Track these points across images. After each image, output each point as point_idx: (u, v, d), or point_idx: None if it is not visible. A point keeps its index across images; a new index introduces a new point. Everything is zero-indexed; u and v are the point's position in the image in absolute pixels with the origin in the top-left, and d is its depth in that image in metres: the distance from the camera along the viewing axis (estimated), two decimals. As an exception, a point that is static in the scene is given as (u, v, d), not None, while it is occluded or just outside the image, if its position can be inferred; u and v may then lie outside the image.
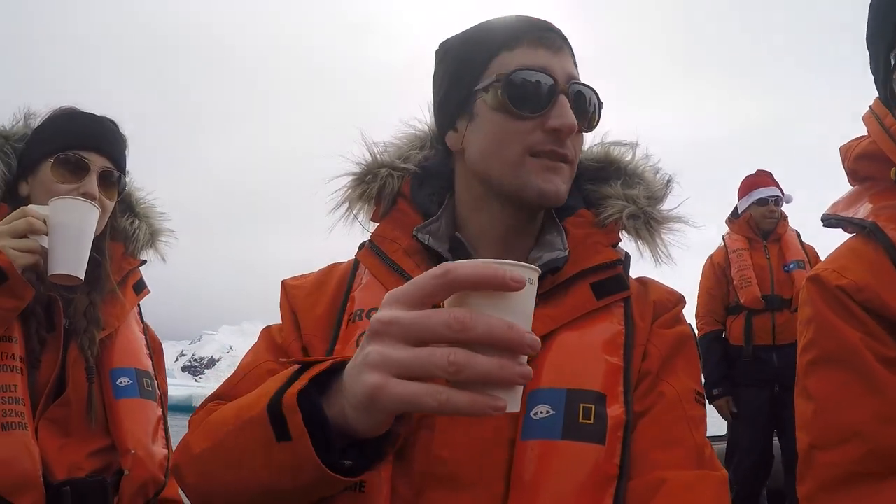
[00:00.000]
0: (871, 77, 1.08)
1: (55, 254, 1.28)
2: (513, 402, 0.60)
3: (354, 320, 0.96)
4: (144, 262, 1.63)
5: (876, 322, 0.96)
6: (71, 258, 1.29)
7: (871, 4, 1.05)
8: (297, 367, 0.74)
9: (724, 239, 4.11)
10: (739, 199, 4.12)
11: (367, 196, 1.06)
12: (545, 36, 0.95)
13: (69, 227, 1.29)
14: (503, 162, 0.95)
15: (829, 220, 1.12)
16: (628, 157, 1.08)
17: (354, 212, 1.07)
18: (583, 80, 0.97)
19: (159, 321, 1.74)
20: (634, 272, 1.03)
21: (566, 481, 0.81)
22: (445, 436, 0.85)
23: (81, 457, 1.40)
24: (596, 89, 0.98)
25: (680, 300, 1.03)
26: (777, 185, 4.04)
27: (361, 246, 1.06)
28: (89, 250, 1.32)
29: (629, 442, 0.85)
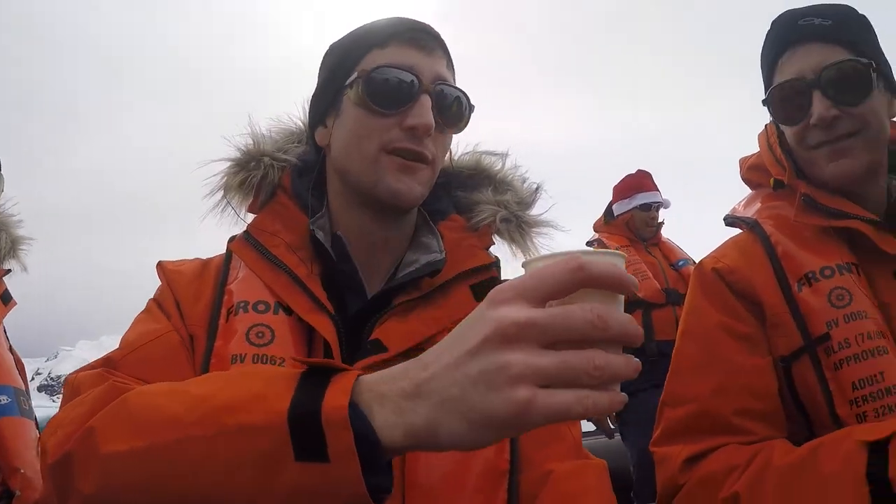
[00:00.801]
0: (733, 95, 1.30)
1: None
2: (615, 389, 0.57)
3: (237, 313, 0.92)
4: (9, 270, 1.54)
5: (740, 301, 1.16)
6: None
7: (762, 45, 1.24)
8: (300, 368, 0.64)
9: (600, 240, 3.81)
10: (618, 201, 3.86)
11: (249, 185, 1.02)
12: (417, 36, 0.97)
13: None
14: (360, 158, 0.96)
15: (728, 220, 1.33)
16: (498, 167, 1.12)
17: (229, 199, 1.03)
18: (456, 84, 1.00)
19: (11, 337, 1.64)
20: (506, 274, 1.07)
21: (461, 480, 0.83)
22: None
23: None
24: (466, 92, 1.00)
25: None
26: (657, 188, 3.88)
27: (232, 238, 1.03)
28: None
29: (517, 438, 0.89)
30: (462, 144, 1.10)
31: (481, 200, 1.07)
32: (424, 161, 0.96)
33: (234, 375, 0.69)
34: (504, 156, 1.13)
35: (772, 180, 1.26)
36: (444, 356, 0.57)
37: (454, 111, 0.99)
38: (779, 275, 1.15)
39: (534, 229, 1.07)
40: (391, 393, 0.58)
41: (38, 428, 1.51)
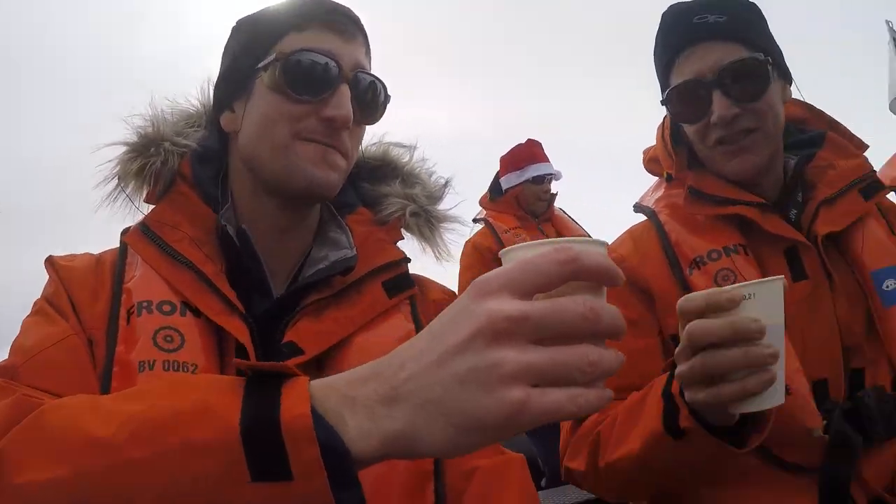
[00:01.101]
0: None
1: None
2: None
3: (140, 314, 0.84)
4: None
5: (629, 288, 1.23)
6: None
7: (655, 40, 1.27)
8: (243, 375, 0.57)
9: (486, 220, 3.42)
10: (505, 174, 3.50)
11: (149, 172, 0.93)
12: (338, 20, 0.93)
13: None
14: (272, 145, 0.90)
15: (636, 208, 1.38)
16: (406, 159, 1.10)
17: (125, 188, 0.94)
18: (372, 73, 0.95)
19: None
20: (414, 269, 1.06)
21: (387, 485, 0.82)
22: None
23: None
24: (384, 82, 0.96)
25: (454, 296, 1.07)
26: (548, 159, 3.52)
27: (126, 231, 0.94)
28: None
29: None
30: (368, 135, 1.06)
31: (389, 193, 1.05)
32: (342, 153, 0.93)
33: (166, 386, 0.60)
34: (412, 148, 1.11)
35: (665, 173, 1.34)
36: (424, 354, 0.52)
37: (371, 102, 0.95)
38: (672, 261, 1.21)
39: (443, 224, 1.06)
40: (362, 397, 0.53)
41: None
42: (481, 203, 3.59)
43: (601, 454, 1.12)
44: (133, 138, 0.95)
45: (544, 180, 3.45)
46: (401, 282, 0.97)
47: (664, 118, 1.35)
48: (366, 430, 0.52)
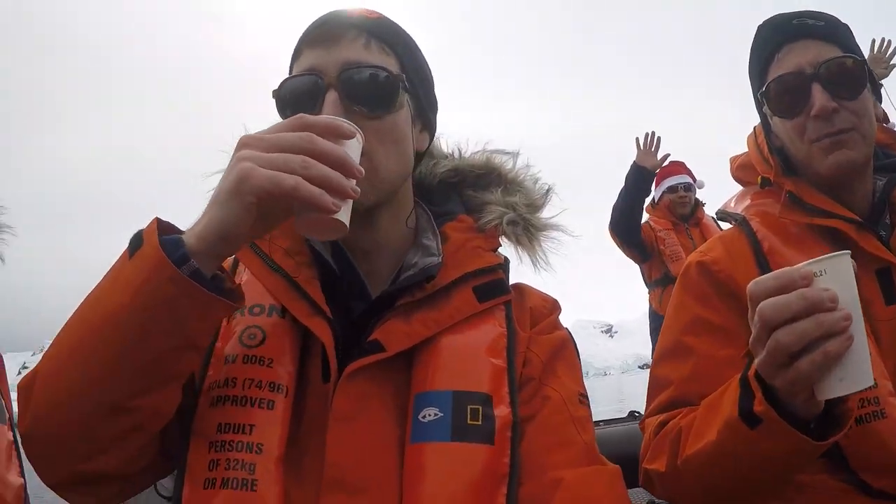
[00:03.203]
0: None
1: None
2: (344, 214, 0.77)
3: (235, 316, 0.93)
4: None
5: (719, 294, 1.22)
6: None
7: (752, 46, 1.29)
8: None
9: (649, 223, 4.42)
10: (655, 189, 4.45)
11: None
12: (321, 31, 0.94)
13: None
14: None
15: (720, 214, 1.41)
16: (509, 166, 1.09)
17: None
18: (381, 58, 0.95)
19: None
20: (514, 277, 1.06)
21: (458, 482, 0.82)
22: (336, 440, 0.86)
23: None
24: (386, 66, 0.94)
25: (555, 306, 1.07)
26: (689, 172, 4.46)
27: None
28: None
29: (517, 441, 0.87)
30: (472, 142, 1.08)
31: (490, 201, 1.05)
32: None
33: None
34: (515, 154, 1.10)
35: (759, 178, 1.32)
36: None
37: (370, 91, 0.92)
38: (764, 269, 1.17)
39: (542, 233, 1.05)
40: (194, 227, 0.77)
41: (13, 430, 1.39)
42: (646, 210, 4.50)
43: (680, 451, 1.08)
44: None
45: (677, 189, 4.41)
46: (494, 287, 0.98)
47: (754, 128, 1.36)
48: (191, 233, 0.76)
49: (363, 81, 0.91)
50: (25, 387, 0.81)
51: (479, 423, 0.86)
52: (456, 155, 1.12)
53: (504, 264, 1.02)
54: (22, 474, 1.37)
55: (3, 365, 1.52)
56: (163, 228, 0.77)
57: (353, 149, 0.80)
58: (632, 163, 4.06)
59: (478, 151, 1.11)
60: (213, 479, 0.81)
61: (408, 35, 1.02)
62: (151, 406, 0.79)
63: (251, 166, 0.73)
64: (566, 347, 1.01)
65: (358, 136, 0.81)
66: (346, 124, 0.79)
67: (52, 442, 0.80)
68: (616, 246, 4.34)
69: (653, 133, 4.02)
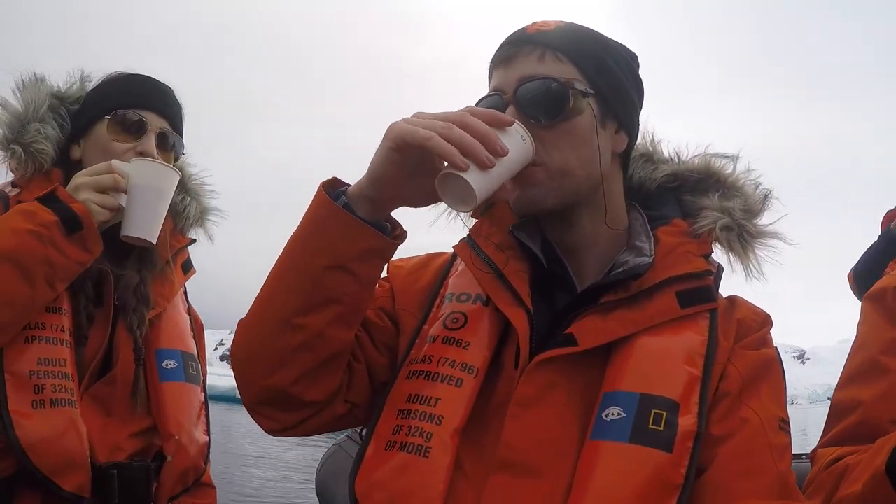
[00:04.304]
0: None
1: (133, 215, 1.24)
2: (476, 180, 0.83)
3: (444, 301, 1.05)
4: (194, 240, 1.56)
5: None
6: (147, 221, 1.25)
7: None
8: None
9: None
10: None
11: None
12: (500, 54, 1.00)
13: (149, 189, 1.25)
14: None
15: None
16: (728, 170, 1.08)
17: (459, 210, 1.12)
18: (544, 69, 0.96)
19: (199, 307, 1.69)
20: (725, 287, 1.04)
21: (628, 484, 0.82)
22: (513, 423, 0.90)
23: (122, 437, 1.34)
24: (552, 75, 0.96)
25: (766, 321, 1.02)
26: None
27: (462, 240, 1.11)
28: (164, 216, 1.29)
29: (697, 453, 0.85)
30: (692, 146, 1.09)
31: (707, 206, 1.04)
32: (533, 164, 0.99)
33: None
34: (735, 158, 1.08)
35: None
36: None
37: (542, 101, 0.96)
38: None
39: (757, 240, 1.02)
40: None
41: (204, 392, 1.53)
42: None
43: (837, 491, 1.02)
44: None
45: None
46: (699, 294, 0.96)
47: None
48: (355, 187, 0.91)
49: (535, 93, 0.95)
50: (239, 321, 0.98)
51: (661, 428, 0.85)
52: (675, 160, 1.11)
53: (716, 272, 1.00)
54: (207, 433, 1.49)
55: (204, 335, 1.65)
56: (338, 183, 0.94)
57: (510, 136, 0.88)
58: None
59: (697, 155, 1.10)
60: (394, 442, 0.91)
61: (594, 39, 1.02)
62: (315, 327, 0.90)
63: (399, 123, 0.85)
64: (772, 367, 0.96)
65: (517, 127, 0.90)
66: (505, 116, 0.89)
67: (243, 357, 0.95)
68: (853, 293, 3.97)
69: None
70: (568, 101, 0.95)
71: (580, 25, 1.02)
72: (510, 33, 1.02)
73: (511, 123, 0.88)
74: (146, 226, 1.25)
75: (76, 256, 1.19)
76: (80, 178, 1.22)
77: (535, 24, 1.00)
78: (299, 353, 0.91)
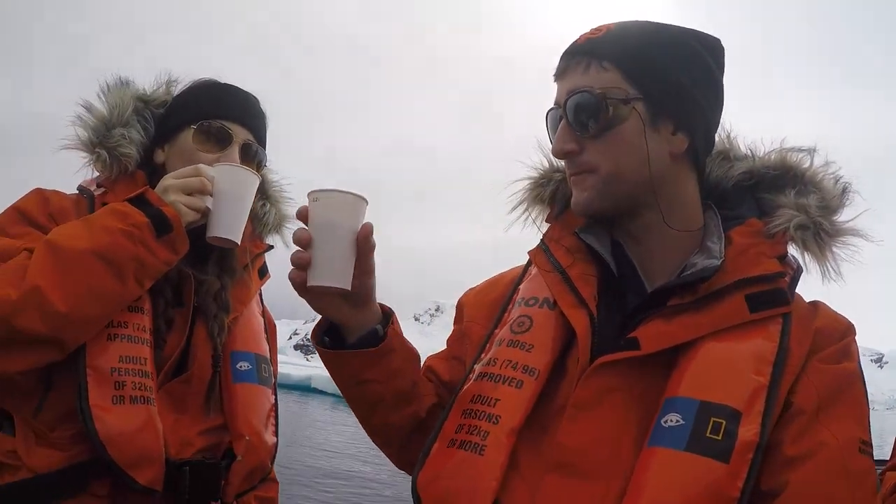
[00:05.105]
0: None
1: (218, 217, 1.28)
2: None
3: (515, 306, 1.08)
4: (271, 247, 1.59)
5: None
6: (232, 223, 1.29)
7: None
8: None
9: None
10: None
11: (539, 199, 1.15)
12: (557, 67, 1.03)
13: (232, 193, 1.29)
14: None
15: None
16: (806, 164, 1.03)
17: (532, 215, 1.16)
18: (587, 82, 0.98)
19: (276, 298, 1.71)
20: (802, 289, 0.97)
21: (680, 493, 0.80)
22: (569, 425, 0.91)
23: (192, 435, 1.37)
24: (592, 86, 0.96)
25: (848, 331, 0.96)
26: None
27: (537, 245, 1.14)
28: (246, 218, 1.32)
29: (757, 466, 0.82)
30: (767, 141, 1.05)
31: (783, 204, 1.00)
32: (583, 170, 1.01)
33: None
34: (812, 151, 1.03)
35: None
36: None
37: (585, 113, 0.98)
38: None
39: (835, 239, 0.96)
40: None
41: (275, 394, 1.55)
42: None
43: None
44: (533, 174, 1.17)
45: None
46: (770, 297, 0.92)
47: None
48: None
49: (578, 106, 0.97)
50: None
51: (719, 438, 0.83)
52: (751, 156, 1.07)
53: (793, 274, 0.96)
54: (276, 434, 1.51)
55: (276, 336, 1.68)
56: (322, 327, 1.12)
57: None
58: None
59: (773, 150, 1.06)
60: (455, 440, 0.96)
61: (646, 40, 0.99)
62: (375, 421, 1.15)
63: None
64: (854, 384, 0.91)
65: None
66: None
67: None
68: None
69: None
70: (606, 110, 0.96)
71: (635, 24, 1.01)
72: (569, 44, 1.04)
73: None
74: (231, 227, 1.28)
75: (164, 256, 1.23)
76: (168, 180, 1.26)
77: (589, 31, 1.01)
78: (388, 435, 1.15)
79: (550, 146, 1.08)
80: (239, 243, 1.30)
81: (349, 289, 1.02)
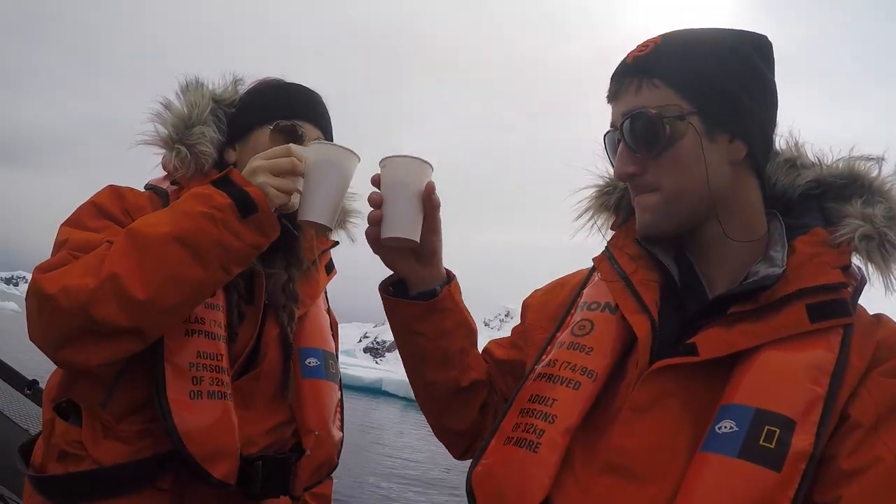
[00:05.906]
0: None
1: (310, 199, 1.19)
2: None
3: (576, 310, 1.11)
4: (337, 243, 1.61)
5: None
6: (325, 205, 1.19)
7: None
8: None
9: None
10: None
11: (605, 206, 1.18)
12: (609, 90, 1.04)
13: (329, 172, 1.20)
14: None
15: None
16: (874, 173, 1.01)
17: (597, 222, 1.18)
18: (641, 103, 0.98)
19: (345, 302, 1.73)
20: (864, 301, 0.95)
21: (730, 500, 0.80)
22: (624, 427, 0.92)
23: (257, 432, 1.38)
24: (646, 107, 0.96)
25: None
26: None
27: (601, 252, 1.16)
28: (342, 200, 1.24)
29: (809, 475, 0.81)
30: (836, 149, 1.04)
31: (849, 213, 0.98)
32: (645, 190, 1.03)
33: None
34: (881, 160, 1.01)
35: None
36: None
37: (640, 135, 1.00)
38: None
39: None
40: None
41: (341, 391, 1.58)
42: None
43: None
44: (599, 182, 1.19)
45: None
46: (832, 308, 0.91)
47: None
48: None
49: (635, 128, 0.98)
50: None
51: (772, 446, 0.82)
52: (818, 164, 1.06)
53: (857, 285, 0.94)
54: (342, 429, 1.54)
55: (339, 334, 1.70)
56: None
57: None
58: None
59: (840, 158, 1.04)
60: (511, 437, 0.99)
61: (691, 49, 0.99)
62: (422, 380, 1.25)
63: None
64: None
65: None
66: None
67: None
68: None
69: None
70: (663, 129, 0.97)
71: (679, 35, 1.01)
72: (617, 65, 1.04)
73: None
74: (324, 210, 1.19)
75: (251, 240, 1.17)
76: (256, 161, 1.21)
77: (636, 48, 1.02)
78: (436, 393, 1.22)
79: (610, 168, 1.11)
80: (332, 227, 1.23)
81: (417, 241, 1.14)
